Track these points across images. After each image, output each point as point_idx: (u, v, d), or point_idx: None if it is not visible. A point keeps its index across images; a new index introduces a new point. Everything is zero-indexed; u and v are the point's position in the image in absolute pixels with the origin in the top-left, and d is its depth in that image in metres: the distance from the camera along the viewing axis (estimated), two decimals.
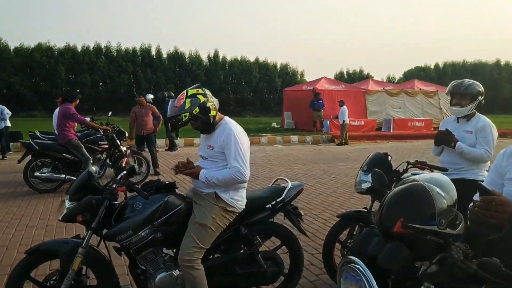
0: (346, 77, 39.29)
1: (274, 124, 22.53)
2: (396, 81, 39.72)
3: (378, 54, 79.73)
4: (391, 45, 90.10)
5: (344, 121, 15.93)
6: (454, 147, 3.48)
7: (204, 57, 34.92)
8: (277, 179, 3.61)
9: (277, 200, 3.16)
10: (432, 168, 3.55)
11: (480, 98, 3.49)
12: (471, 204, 1.95)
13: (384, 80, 35.69)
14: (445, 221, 1.68)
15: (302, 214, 3.41)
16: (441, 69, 43.52)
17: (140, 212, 2.76)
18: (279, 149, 14.72)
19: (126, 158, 4.74)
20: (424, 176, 1.96)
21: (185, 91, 2.87)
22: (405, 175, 3.61)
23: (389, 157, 3.80)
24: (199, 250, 2.75)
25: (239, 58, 35.76)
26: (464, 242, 1.67)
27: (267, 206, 3.13)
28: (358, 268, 1.76)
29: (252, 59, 36.34)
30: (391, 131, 19.55)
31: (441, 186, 1.77)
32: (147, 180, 4.30)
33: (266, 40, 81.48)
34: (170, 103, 2.93)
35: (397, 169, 3.68)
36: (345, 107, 16.06)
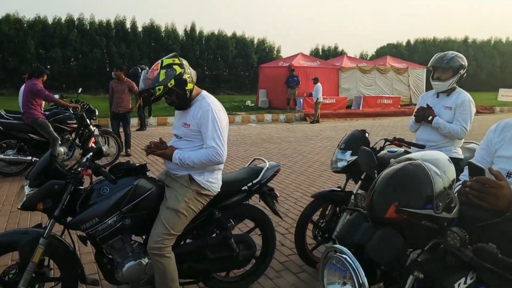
0: (321, 53, 39.04)
1: (248, 103, 22.26)
2: (368, 58, 39.81)
3: (352, 30, 79.71)
4: (365, 22, 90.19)
5: (317, 98, 15.89)
6: (431, 122, 3.39)
7: (180, 31, 33.77)
8: (254, 159, 3.49)
9: (254, 181, 3.03)
10: (410, 145, 3.49)
11: (462, 71, 3.36)
12: (458, 183, 1.81)
13: (357, 57, 35.69)
14: (442, 204, 1.52)
15: (278, 195, 3.30)
16: (412, 46, 43.77)
17: (107, 197, 2.55)
18: (253, 128, 14.59)
19: (93, 138, 4.45)
20: (420, 153, 1.76)
21: (159, 61, 2.63)
22: (382, 152, 3.56)
23: (367, 134, 3.71)
24: (170, 237, 2.60)
25: (216, 32, 34.88)
26: (459, 226, 1.50)
27: (243, 188, 3.00)
28: (345, 258, 1.58)
29: (229, 34, 35.50)
30: (361, 108, 19.68)
31: (438, 165, 1.60)
32: (117, 162, 4.08)
33: (244, 14, 79.77)
34: (142, 74, 2.65)
35: (374, 146, 3.61)
36: (319, 84, 15.98)
